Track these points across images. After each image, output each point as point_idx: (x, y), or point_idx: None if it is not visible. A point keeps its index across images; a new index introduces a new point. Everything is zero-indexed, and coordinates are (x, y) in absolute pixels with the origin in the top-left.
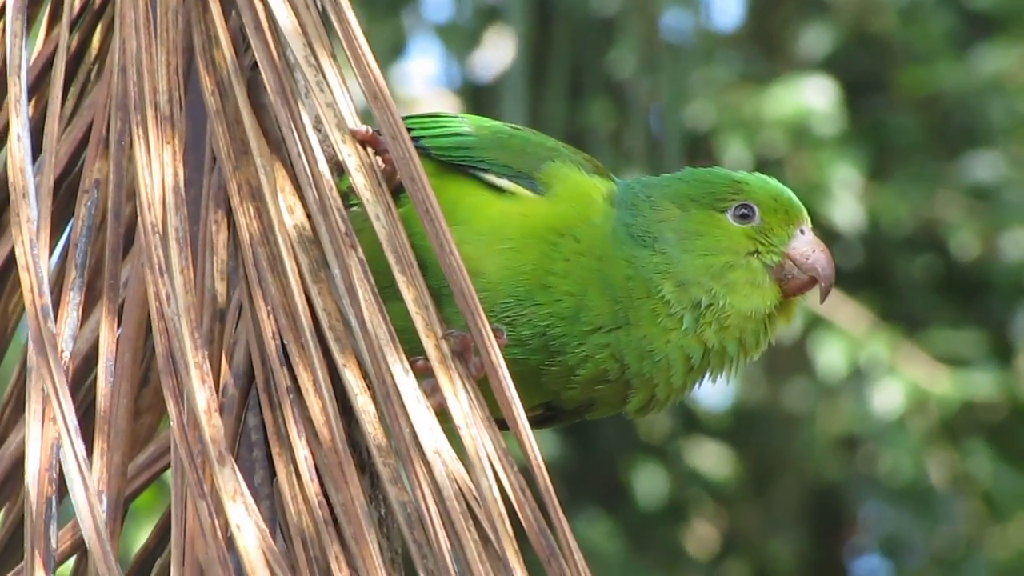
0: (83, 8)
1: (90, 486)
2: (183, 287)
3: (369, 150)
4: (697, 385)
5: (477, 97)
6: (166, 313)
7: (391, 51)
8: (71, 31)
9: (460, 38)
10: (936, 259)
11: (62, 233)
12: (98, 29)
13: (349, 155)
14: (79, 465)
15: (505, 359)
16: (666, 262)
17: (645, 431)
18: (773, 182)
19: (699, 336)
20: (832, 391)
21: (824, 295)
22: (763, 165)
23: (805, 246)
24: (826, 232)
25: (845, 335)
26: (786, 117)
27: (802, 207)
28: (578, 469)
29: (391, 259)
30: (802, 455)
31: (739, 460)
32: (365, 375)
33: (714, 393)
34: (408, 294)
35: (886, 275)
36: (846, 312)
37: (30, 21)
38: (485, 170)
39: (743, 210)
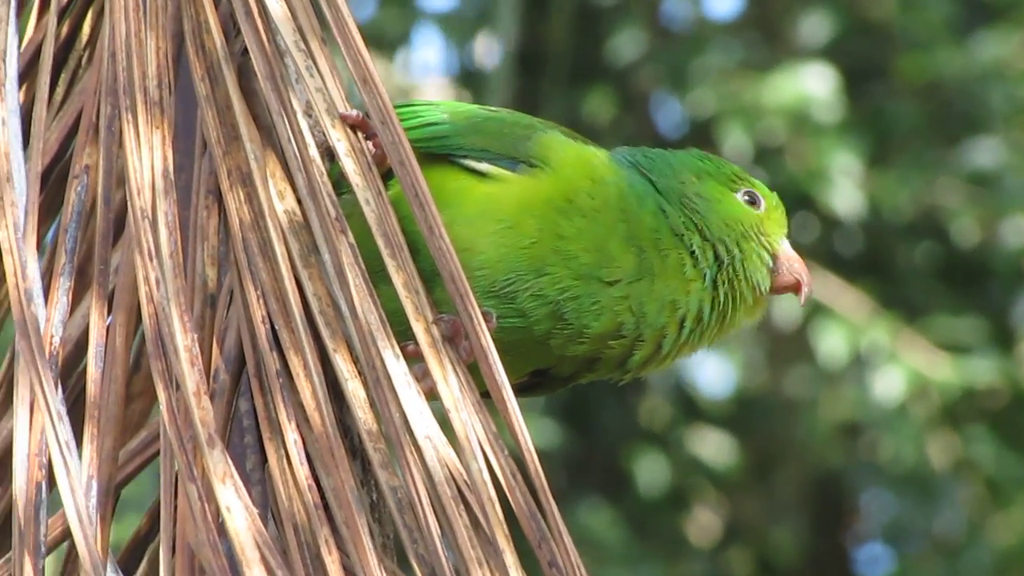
0: None
1: (72, 470)
2: (172, 271)
3: (359, 134)
4: (694, 345)
5: (477, 85)
6: (155, 297)
7: (396, 40)
8: (61, 18)
9: (460, 27)
10: (937, 246)
11: (54, 220)
12: (88, 15)
13: (339, 140)
14: (61, 449)
15: (507, 330)
16: (695, 218)
17: (646, 419)
18: (768, 189)
19: (715, 292)
20: (833, 378)
21: (806, 300)
22: (763, 152)
23: (790, 252)
24: (826, 219)
25: (846, 322)
26: (786, 104)
27: (786, 222)
28: (579, 457)
29: (380, 243)
30: (804, 442)
31: (741, 448)
32: (355, 360)
33: (715, 380)
34: (397, 278)
35: (887, 262)
36: (847, 299)
37: (21, 7)
38: (464, 156)
39: (750, 196)
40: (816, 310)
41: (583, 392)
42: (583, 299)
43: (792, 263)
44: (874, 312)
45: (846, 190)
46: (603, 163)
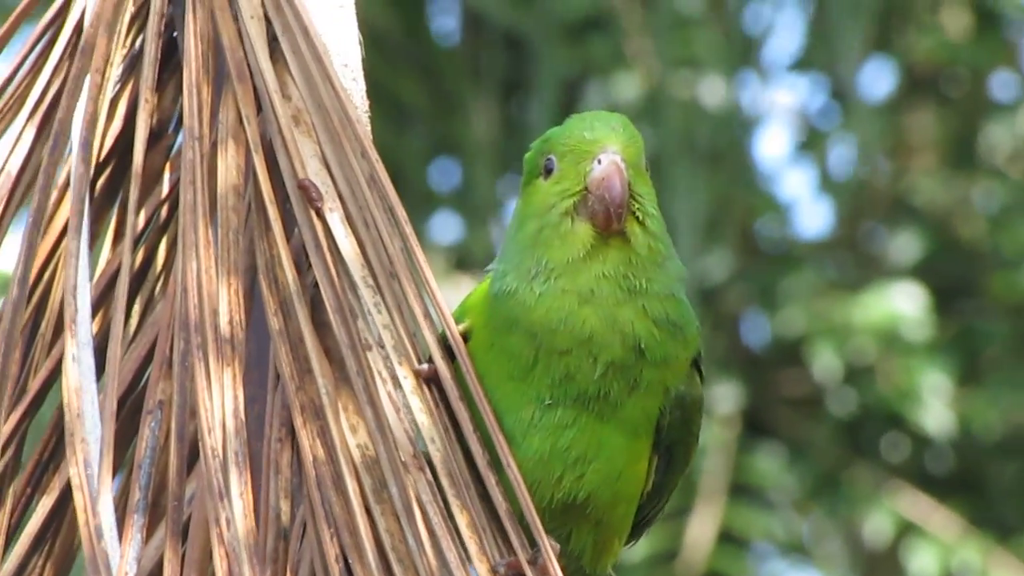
0: (148, 223)
1: None
2: (242, 511)
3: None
4: (629, 302)
5: None
6: (226, 538)
7: (485, 260)
8: (136, 245)
9: None
10: None
11: (127, 450)
12: (163, 243)
13: (405, 377)
14: None
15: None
16: (502, 265)
17: None
18: (574, 122)
19: (558, 289)
20: None
21: (607, 218)
22: (853, 372)
23: (596, 174)
24: (917, 438)
25: (937, 541)
26: (876, 323)
27: (600, 137)
28: None
29: (445, 482)
30: None
31: None
32: None
33: None
34: (461, 519)
35: (977, 481)
36: (938, 518)
37: (94, 239)
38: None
39: (548, 164)
40: (908, 529)
41: None
42: (560, 378)
43: (596, 187)
44: (965, 531)
45: (936, 409)
46: (485, 288)
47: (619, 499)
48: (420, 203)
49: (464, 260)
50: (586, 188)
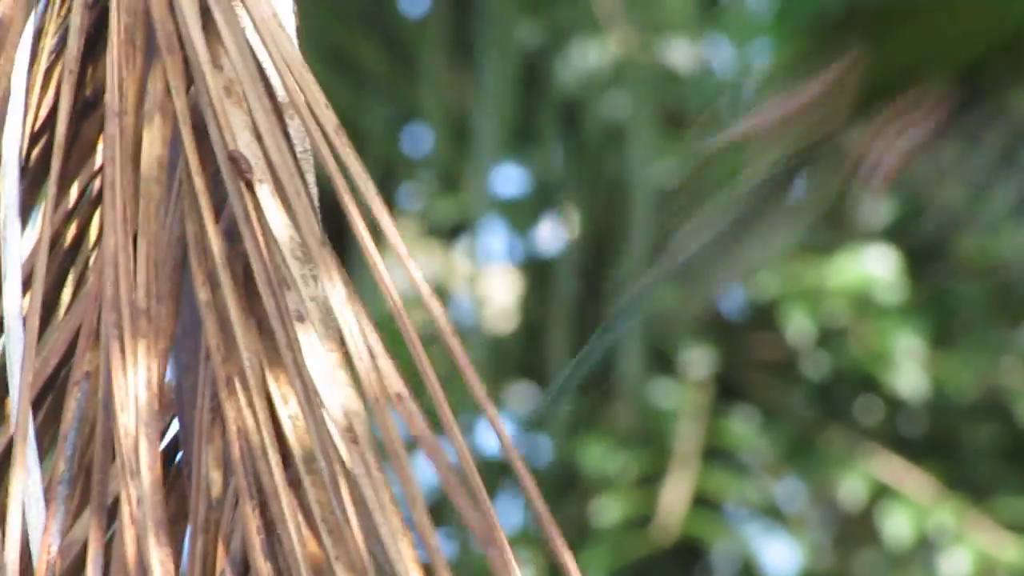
0: (81, 195)
1: None
2: (151, 487)
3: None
4: None
5: (538, 272)
6: (135, 517)
7: (455, 228)
8: (68, 218)
9: (522, 214)
10: (1001, 427)
11: (57, 423)
12: (97, 215)
13: (331, 351)
14: None
15: None
16: None
17: None
18: None
19: None
20: (901, 560)
21: None
22: (826, 335)
23: None
24: (890, 401)
25: (911, 503)
26: (849, 286)
27: None
28: None
29: (370, 456)
30: None
31: None
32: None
33: (782, 562)
34: (385, 492)
35: (951, 443)
36: (912, 481)
37: (28, 209)
38: None
39: None
40: (881, 491)
41: (648, 569)
42: None
43: None
44: (940, 493)
45: (909, 371)
46: None
47: None
48: (389, 170)
49: (435, 226)
50: None
